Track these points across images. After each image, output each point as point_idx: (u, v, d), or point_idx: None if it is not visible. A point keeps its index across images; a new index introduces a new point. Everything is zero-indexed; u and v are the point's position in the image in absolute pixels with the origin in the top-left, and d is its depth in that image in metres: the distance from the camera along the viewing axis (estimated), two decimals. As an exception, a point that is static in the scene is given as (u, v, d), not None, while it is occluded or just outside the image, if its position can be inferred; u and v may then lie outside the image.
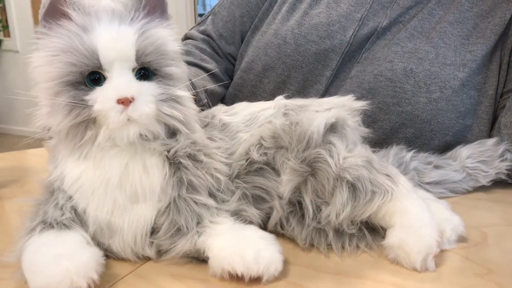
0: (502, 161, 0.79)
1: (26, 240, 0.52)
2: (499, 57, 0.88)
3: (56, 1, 0.52)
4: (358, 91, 0.89)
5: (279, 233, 0.60)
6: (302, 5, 0.98)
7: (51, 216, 0.53)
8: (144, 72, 0.54)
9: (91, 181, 0.53)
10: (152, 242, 0.55)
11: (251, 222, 0.58)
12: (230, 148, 0.60)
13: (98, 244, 0.55)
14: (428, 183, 0.76)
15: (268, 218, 0.61)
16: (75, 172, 0.54)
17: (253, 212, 0.58)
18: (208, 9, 4.79)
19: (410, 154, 0.78)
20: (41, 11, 0.53)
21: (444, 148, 0.86)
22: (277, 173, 0.60)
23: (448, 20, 0.89)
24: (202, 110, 0.64)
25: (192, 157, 0.55)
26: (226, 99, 1.06)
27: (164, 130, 0.55)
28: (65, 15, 0.52)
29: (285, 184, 0.58)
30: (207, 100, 0.94)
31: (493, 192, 0.80)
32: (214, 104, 0.81)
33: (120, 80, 0.51)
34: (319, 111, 0.61)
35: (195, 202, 0.54)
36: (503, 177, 0.80)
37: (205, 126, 0.62)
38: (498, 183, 0.81)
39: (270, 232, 0.57)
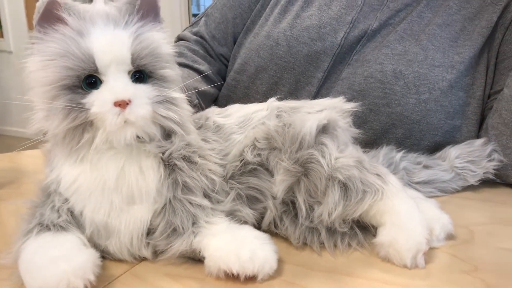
0: (489, 161, 0.81)
1: (23, 242, 0.52)
2: (486, 59, 0.90)
3: (51, 6, 0.52)
4: (349, 93, 0.90)
5: (272, 232, 0.61)
6: (294, 8, 0.99)
7: (47, 218, 0.54)
8: (140, 75, 0.54)
9: (87, 183, 0.54)
10: (148, 243, 0.56)
11: (245, 222, 0.58)
12: (224, 150, 0.61)
13: (95, 245, 0.55)
14: (418, 183, 0.77)
15: (262, 217, 0.62)
16: (71, 175, 0.55)
17: (247, 212, 0.59)
18: (202, 9, 4.80)
19: (400, 154, 0.79)
20: (36, 16, 0.53)
21: (434, 148, 0.88)
22: (271, 173, 0.61)
23: (436, 23, 0.90)
24: (195, 112, 0.65)
25: (186, 159, 0.56)
26: (219, 100, 1.07)
27: (160, 132, 0.56)
28: (60, 20, 0.53)
29: (278, 184, 0.59)
30: (198, 101, 0.95)
31: (481, 192, 0.82)
32: (207, 105, 0.82)
33: (116, 83, 0.52)
34: (311, 113, 0.62)
35: (190, 203, 0.55)
36: (491, 176, 0.82)
37: (199, 128, 0.63)
38: (486, 183, 0.83)
39: (264, 231, 0.57)
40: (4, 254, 0.53)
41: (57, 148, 0.56)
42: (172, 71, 0.57)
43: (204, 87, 0.98)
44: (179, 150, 0.56)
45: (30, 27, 4.65)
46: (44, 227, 0.54)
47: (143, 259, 0.57)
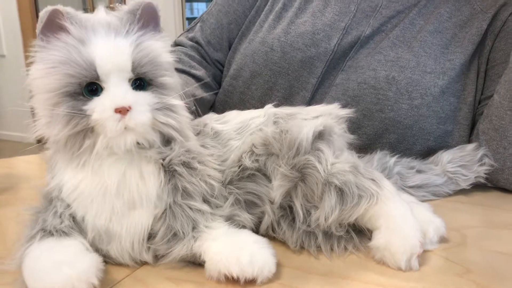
0: (480, 165, 0.82)
1: (26, 248, 0.53)
2: (476, 66, 0.92)
3: (54, 15, 0.53)
4: (343, 98, 0.91)
5: (270, 236, 0.62)
6: (288, 14, 1.00)
7: (50, 224, 0.55)
8: (140, 82, 0.55)
9: (89, 189, 0.55)
10: (149, 247, 0.56)
11: (244, 227, 0.59)
12: (223, 156, 0.62)
13: (97, 250, 0.56)
14: (411, 187, 0.78)
15: (260, 222, 0.62)
16: (73, 181, 0.55)
17: (245, 217, 0.60)
18: (196, 12, 4.81)
19: (394, 159, 0.81)
20: (39, 25, 0.54)
21: (426, 152, 0.89)
22: (268, 179, 0.62)
23: (428, 30, 0.92)
24: (193, 118, 0.66)
25: (186, 165, 0.57)
26: (216, 106, 1.08)
27: (159, 138, 0.56)
28: (63, 29, 0.54)
29: (276, 190, 0.61)
30: (195, 107, 0.96)
31: (473, 195, 0.83)
32: (203, 111, 0.83)
33: (117, 90, 0.53)
34: (307, 119, 0.63)
35: (190, 208, 0.56)
36: (482, 180, 0.83)
37: (198, 134, 0.64)
38: (478, 186, 0.84)
39: (262, 235, 0.58)
40: (8, 260, 0.54)
41: (59, 154, 0.57)
42: (172, 79, 0.58)
43: (201, 93, 1.00)
44: (179, 156, 0.57)
45: (24, 30, 4.65)
46: (47, 232, 0.54)
47: (144, 263, 0.58)
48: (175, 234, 0.56)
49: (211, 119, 0.67)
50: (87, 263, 0.51)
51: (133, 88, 0.55)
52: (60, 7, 0.54)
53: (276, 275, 0.55)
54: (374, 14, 0.96)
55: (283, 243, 0.63)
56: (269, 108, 0.67)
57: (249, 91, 1.01)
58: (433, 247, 0.62)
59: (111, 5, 4.43)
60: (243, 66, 1.01)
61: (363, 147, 0.88)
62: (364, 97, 0.90)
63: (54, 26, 0.54)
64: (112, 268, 0.57)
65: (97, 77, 0.53)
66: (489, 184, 0.86)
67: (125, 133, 0.53)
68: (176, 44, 1.11)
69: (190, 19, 4.50)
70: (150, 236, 0.57)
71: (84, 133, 0.53)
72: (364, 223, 0.60)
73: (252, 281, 0.53)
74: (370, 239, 0.60)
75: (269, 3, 1.05)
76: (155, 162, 0.56)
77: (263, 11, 1.05)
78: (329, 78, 0.96)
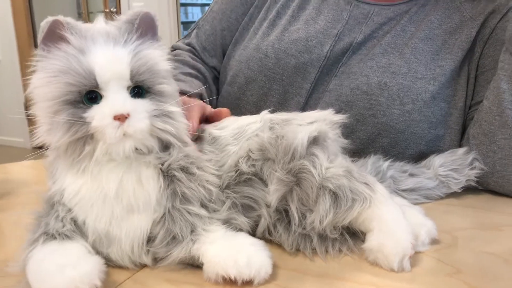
0: (471, 169, 0.84)
1: (30, 251, 0.54)
2: (466, 72, 0.93)
3: (55, 26, 0.55)
4: (336, 104, 0.93)
5: (267, 239, 0.63)
6: (281, 22, 1.02)
7: (52, 227, 0.56)
8: (138, 90, 0.57)
9: (89, 194, 0.56)
10: (149, 250, 0.58)
11: (240, 230, 0.61)
12: (220, 161, 0.64)
13: (97, 253, 0.57)
14: (404, 190, 0.80)
15: (257, 225, 0.64)
16: (74, 187, 0.57)
17: (242, 220, 0.61)
18: (190, 17, 4.84)
19: (387, 163, 0.82)
20: (40, 35, 0.55)
21: (418, 156, 0.91)
22: (265, 183, 0.63)
23: (419, 37, 0.94)
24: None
25: (185, 170, 0.58)
26: None
27: (158, 144, 0.58)
28: (63, 39, 0.55)
29: (272, 194, 0.62)
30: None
31: (464, 198, 0.85)
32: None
33: (116, 98, 0.54)
34: (302, 125, 0.65)
35: (188, 212, 0.57)
36: (473, 183, 0.85)
37: (196, 139, 0.65)
38: (469, 189, 0.86)
39: (259, 238, 0.60)
40: (11, 262, 0.55)
41: (59, 160, 0.58)
42: (169, 87, 0.59)
43: (207, 95, 1.01)
44: (178, 161, 0.58)
45: (18, 35, 4.65)
46: (50, 236, 0.56)
47: (144, 265, 0.59)
48: (174, 237, 0.57)
49: (209, 125, 0.69)
50: (90, 265, 0.53)
51: (132, 96, 0.56)
52: (60, 17, 0.55)
53: (273, 277, 0.56)
54: (366, 21, 0.98)
55: (279, 245, 0.64)
56: (265, 114, 0.69)
57: (244, 96, 1.03)
58: (424, 249, 0.63)
59: (105, 10, 4.46)
60: (238, 72, 1.03)
61: (356, 151, 0.89)
62: (357, 102, 0.92)
63: (55, 36, 0.55)
64: (113, 270, 0.58)
65: (97, 86, 0.54)
66: (480, 187, 0.88)
67: (124, 139, 0.55)
68: (174, 48, 1.13)
69: (184, 23, 4.52)
70: (149, 239, 0.58)
71: (84, 140, 0.55)
72: (358, 225, 0.62)
73: (249, 282, 0.54)
74: (363, 241, 0.61)
75: (262, 11, 1.06)
76: (154, 167, 0.58)
77: (256, 18, 1.06)
78: (322, 84, 0.97)
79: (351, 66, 0.95)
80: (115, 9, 4.36)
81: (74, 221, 0.57)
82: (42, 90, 0.55)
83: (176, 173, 0.58)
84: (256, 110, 0.71)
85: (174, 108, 0.59)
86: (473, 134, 0.88)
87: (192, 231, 0.57)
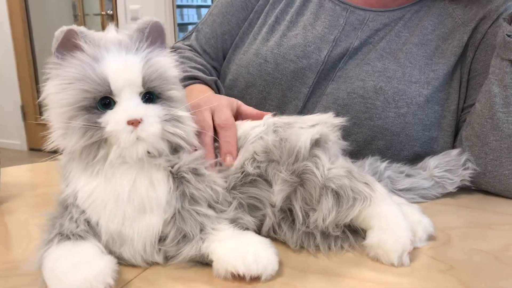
0: (464, 169, 0.86)
1: (45, 250, 0.56)
2: (459, 76, 0.96)
3: (70, 35, 0.57)
4: (333, 107, 0.95)
5: (272, 237, 0.65)
6: (280, 27, 1.05)
7: (67, 228, 0.58)
8: (149, 96, 0.59)
9: (102, 196, 0.58)
10: (160, 249, 0.60)
11: (247, 229, 0.63)
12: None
13: (110, 252, 0.59)
14: (401, 190, 0.82)
15: (262, 224, 0.66)
16: (87, 189, 0.59)
17: (248, 220, 0.63)
18: (186, 19, 4.86)
19: (384, 164, 0.84)
20: (55, 44, 0.58)
21: (413, 158, 0.93)
22: (269, 184, 0.65)
23: (413, 42, 0.96)
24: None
25: (194, 172, 0.61)
26: None
27: (168, 147, 0.60)
28: (77, 47, 0.57)
29: (277, 194, 0.64)
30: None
31: (459, 198, 0.87)
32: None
33: (129, 104, 0.57)
34: (304, 128, 0.67)
35: (197, 213, 0.60)
36: (467, 183, 0.87)
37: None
38: (463, 189, 0.88)
39: (264, 236, 0.62)
40: (27, 261, 0.57)
41: (73, 163, 0.60)
42: (178, 92, 0.62)
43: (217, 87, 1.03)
44: (187, 164, 0.60)
45: (15, 38, 4.65)
46: (64, 236, 0.58)
47: (154, 263, 0.61)
48: (184, 236, 0.59)
49: None
50: (103, 265, 0.55)
51: (143, 101, 0.59)
52: (75, 27, 0.57)
53: (278, 273, 0.58)
54: (362, 27, 1.00)
55: (284, 243, 0.66)
56: (268, 118, 0.71)
57: (244, 100, 1.03)
58: (422, 245, 0.66)
59: (102, 12, 4.45)
60: (238, 76, 1.05)
61: (353, 153, 0.91)
62: (354, 106, 0.94)
63: (69, 44, 0.58)
64: (121, 268, 0.60)
65: (110, 92, 0.57)
66: (474, 187, 0.90)
67: (137, 143, 0.57)
68: (175, 49, 1.14)
69: (180, 25, 4.54)
70: (160, 239, 0.60)
71: (98, 144, 0.57)
72: (359, 223, 0.64)
73: (257, 278, 0.57)
74: (364, 238, 0.64)
75: (262, 16, 1.08)
76: (164, 169, 0.60)
77: (256, 23, 1.09)
78: (320, 88, 1.00)
79: (348, 70, 0.98)
80: (111, 12, 4.35)
81: (88, 222, 0.59)
82: (57, 96, 0.58)
83: (186, 175, 0.60)
84: None
85: (183, 112, 0.61)
86: (465, 136, 0.91)
87: (201, 230, 0.60)
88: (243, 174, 0.66)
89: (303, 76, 1.00)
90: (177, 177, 0.60)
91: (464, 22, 0.96)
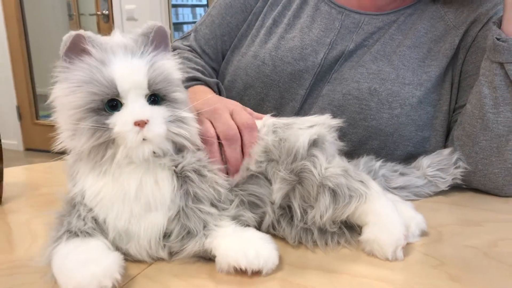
0: (456, 168, 0.88)
1: (54, 247, 0.59)
2: (451, 77, 0.99)
3: (77, 39, 0.59)
4: (329, 108, 0.97)
5: (271, 233, 0.67)
6: (278, 30, 1.07)
7: (75, 226, 0.60)
8: (154, 98, 0.62)
9: (110, 195, 0.60)
10: (165, 245, 0.62)
11: (248, 225, 0.65)
12: None
13: (117, 248, 0.62)
14: (395, 188, 0.85)
15: (262, 221, 0.69)
16: (95, 188, 0.61)
17: (249, 216, 0.66)
18: (181, 18, 4.87)
19: (379, 163, 0.87)
20: (63, 48, 0.60)
21: (407, 157, 0.96)
22: (269, 182, 0.68)
23: (406, 45, 0.99)
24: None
25: (197, 172, 0.63)
26: None
27: (172, 147, 0.62)
28: (84, 51, 0.60)
29: (276, 192, 0.67)
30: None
31: (451, 196, 0.89)
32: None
33: (135, 106, 0.59)
34: (303, 129, 0.69)
35: (200, 211, 0.62)
36: (459, 181, 0.89)
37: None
38: (455, 188, 0.91)
39: (264, 233, 0.64)
40: (37, 257, 0.60)
41: (81, 163, 0.62)
42: (182, 94, 0.64)
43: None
44: (191, 164, 0.63)
45: (9, 37, 4.63)
46: (73, 233, 0.60)
47: (158, 259, 0.64)
48: (188, 232, 0.62)
49: None
50: (111, 261, 0.57)
51: (149, 103, 0.61)
52: (82, 32, 0.60)
53: (277, 268, 0.61)
54: (357, 30, 1.02)
55: (283, 239, 0.69)
56: (267, 119, 0.74)
57: (242, 101, 1.05)
58: (415, 240, 0.68)
59: (97, 12, 4.45)
60: (236, 78, 1.07)
61: (348, 153, 0.93)
62: (349, 107, 0.96)
63: (77, 48, 0.60)
64: (126, 264, 0.61)
65: (118, 94, 0.59)
66: (465, 185, 0.92)
67: (143, 144, 0.59)
68: (174, 48, 1.13)
69: (175, 24, 4.54)
70: (165, 235, 0.62)
71: (106, 144, 0.59)
72: (355, 219, 0.67)
73: (258, 272, 0.59)
74: (360, 234, 0.66)
75: (260, 18, 1.10)
76: (169, 169, 0.62)
77: (254, 25, 1.10)
78: (316, 90, 1.02)
79: (343, 72, 1.00)
80: (107, 12, 4.34)
81: (95, 220, 0.61)
82: (66, 99, 0.60)
83: (189, 174, 0.62)
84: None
85: (187, 114, 0.64)
86: (457, 136, 0.93)
87: (204, 227, 0.62)
88: (246, 171, 0.68)
89: (300, 78, 1.02)
90: (181, 176, 0.62)
91: (456, 25, 0.99)
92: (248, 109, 0.80)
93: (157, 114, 0.60)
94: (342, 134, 0.93)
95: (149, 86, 0.61)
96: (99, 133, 0.58)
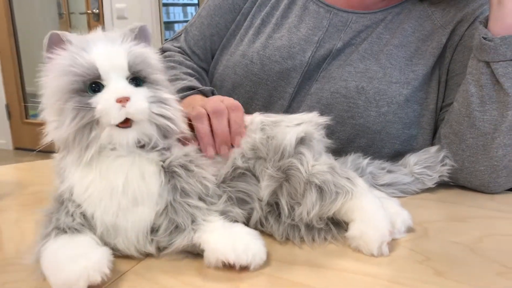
0: (442, 165, 0.89)
1: (43, 244, 0.59)
2: (437, 76, 1.00)
3: (55, 38, 0.62)
4: (317, 106, 0.98)
5: (259, 229, 0.67)
6: (266, 29, 1.07)
7: (63, 222, 0.60)
8: (136, 82, 0.62)
9: (98, 190, 0.61)
10: (153, 240, 0.63)
11: (236, 221, 0.66)
12: (216, 158, 0.70)
13: (105, 244, 0.62)
14: (382, 185, 0.86)
15: (250, 217, 0.69)
16: (83, 183, 0.61)
17: (237, 212, 0.66)
18: (172, 17, 4.85)
19: (367, 160, 0.88)
20: (44, 48, 0.62)
21: (394, 155, 0.97)
22: (257, 179, 0.69)
23: (393, 44, 1.00)
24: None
25: (184, 167, 0.63)
26: None
27: (157, 132, 0.63)
28: (65, 44, 0.62)
29: (264, 189, 0.68)
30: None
31: (437, 193, 0.90)
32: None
33: (117, 84, 0.60)
34: (290, 126, 0.70)
35: (188, 205, 0.62)
36: (446, 179, 0.90)
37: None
38: (442, 185, 0.91)
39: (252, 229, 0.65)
40: (26, 255, 0.60)
41: (68, 158, 0.62)
42: (162, 76, 0.65)
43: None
44: (178, 159, 0.63)
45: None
46: (61, 230, 0.60)
47: (148, 255, 0.64)
48: (176, 227, 0.62)
49: None
50: (99, 255, 0.57)
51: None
52: (58, 31, 0.62)
53: (265, 264, 0.61)
54: (345, 29, 1.03)
55: (270, 235, 0.69)
56: (256, 117, 0.74)
57: None
58: (400, 236, 0.69)
59: (88, 11, 4.43)
60: (225, 77, 1.08)
61: (336, 151, 0.93)
62: (336, 105, 0.97)
63: (57, 45, 0.62)
64: (116, 260, 0.61)
65: (99, 76, 0.60)
66: (452, 182, 0.93)
67: (127, 131, 0.60)
68: (164, 50, 1.16)
69: (166, 23, 4.53)
70: (153, 230, 0.63)
71: (90, 126, 0.60)
72: (341, 216, 0.68)
73: (246, 267, 0.60)
74: (346, 230, 0.67)
75: (248, 19, 1.11)
76: (156, 164, 0.63)
77: (242, 25, 1.11)
78: (304, 88, 1.02)
79: (331, 71, 1.01)
80: (97, 10, 4.32)
81: (83, 216, 0.62)
82: (50, 85, 0.61)
83: (177, 169, 0.63)
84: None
85: (168, 95, 0.64)
86: (444, 134, 0.94)
87: (193, 221, 0.62)
88: (233, 168, 0.69)
89: (288, 76, 1.02)
90: (168, 171, 0.63)
91: (443, 25, 1.00)
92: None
93: (139, 92, 0.61)
94: (330, 132, 0.94)
95: (129, 67, 0.61)
96: (83, 113, 0.59)
